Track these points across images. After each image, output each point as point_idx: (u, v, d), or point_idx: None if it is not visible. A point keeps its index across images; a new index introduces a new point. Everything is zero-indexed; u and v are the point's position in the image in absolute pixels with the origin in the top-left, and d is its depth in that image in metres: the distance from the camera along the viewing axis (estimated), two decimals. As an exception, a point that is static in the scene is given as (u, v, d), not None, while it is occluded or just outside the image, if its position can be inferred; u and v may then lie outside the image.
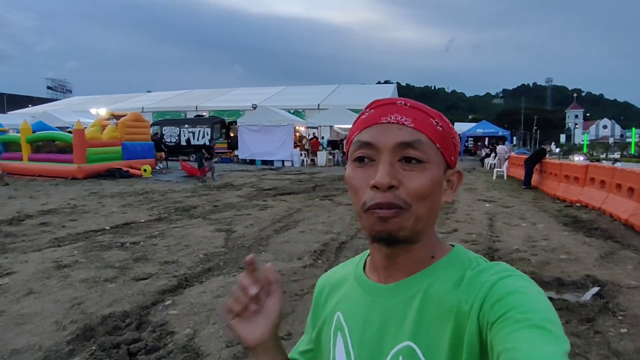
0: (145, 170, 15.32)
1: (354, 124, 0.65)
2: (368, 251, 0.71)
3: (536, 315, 0.48)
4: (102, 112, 26.87)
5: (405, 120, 0.60)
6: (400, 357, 0.59)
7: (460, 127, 35.80)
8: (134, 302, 3.56)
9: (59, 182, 13.44)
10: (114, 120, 16.88)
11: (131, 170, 15.15)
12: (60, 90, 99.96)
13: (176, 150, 22.43)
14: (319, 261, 4.83)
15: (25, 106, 48.03)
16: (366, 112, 0.64)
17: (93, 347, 2.82)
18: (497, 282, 0.55)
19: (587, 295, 3.68)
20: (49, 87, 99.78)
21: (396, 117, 0.61)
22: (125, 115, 16.87)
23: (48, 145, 15.99)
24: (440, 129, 0.62)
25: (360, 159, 0.62)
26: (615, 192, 7.28)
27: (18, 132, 16.07)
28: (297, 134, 22.40)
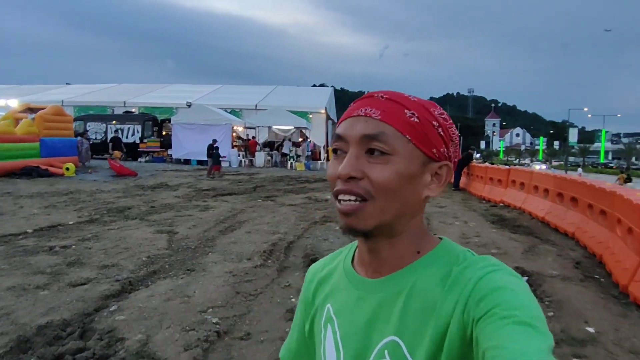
0: (67, 168, 14.08)
1: (339, 119, 0.67)
2: (356, 242, 0.70)
3: (521, 311, 0.49)
4: (14, 103, 24.29)
5: (373, 113, 0.60)
6: (386, 352, 0.59)
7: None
8: (74, 310, 3.29)
9: (-38, 181, 11.90)
10: (32, 115, 15.33)
11: (51, 169, 13.83)
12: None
13: (102, 149, 20.88)
14: (269, 261, 4.80)
15: None
16: (350, 106, 0.66)
17: (32, 360, 2.57)
18: (483, 277, 0.55)
19: (518, 285, 4.07)
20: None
21: (366, 109, 0.61)
22: (44, 109, 15.37)
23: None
24: (416, 120, 0.60)
25: (334, 152, 0.64)
26: (533, 193, 8.10)
27: None
28: (234, 134, 21.97)
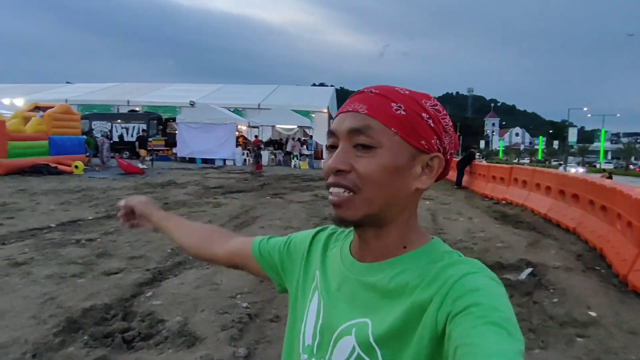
0: (76, 166, 14.31)
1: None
2: None
3: (496, 313, 0.50)
4: (20, 102, 24.50)
5: (361, 107, 0.62)
6: (354, 330, 0.62)
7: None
8: (113, 295, 3.54)
9: (-26, 178, 12.12)
10: (41, 113, 15.55)
11: (60, 167, 14.07)
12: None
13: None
14: (286, 253, 5.05)
15: None
16: (345, 103, 0.67)
17: (85, 337, 2.81)
18: (462, 277, 0.56)
19: (523, 275, 4.33)
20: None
21: (354, 105, 0.63)
22: (53, 107, 15.59)
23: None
24: (403, 112, 0.61)
25: (329, 147, 0.66)
26: (535, 190, 8.36)
27: None
28: (238, 132, 22.20)
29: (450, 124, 0.66)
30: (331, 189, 0.63)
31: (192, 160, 20.48)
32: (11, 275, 3.97)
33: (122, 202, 1.11)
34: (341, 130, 0.62)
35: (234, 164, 20.07)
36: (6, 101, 26.50)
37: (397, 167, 0.61)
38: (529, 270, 4.44)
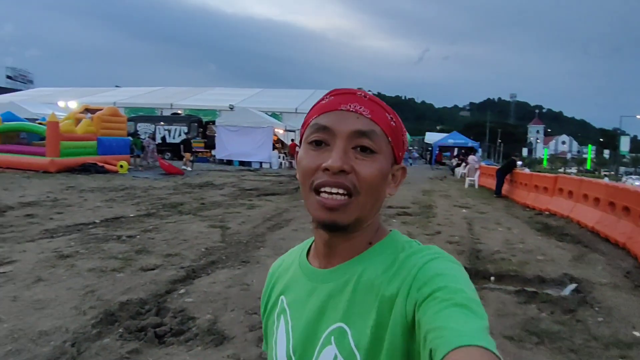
0: (121, 166, 15.01)
1: (312, 109, 0.67)
2: (312, 238, 0.72)
3: (459, 295, 0.51)
4: (73, 105, 26.06)
5: (364, 111, 0.62)
6: (332, 338, 0.61)
7: (432, 137, 36.85)
8: (148, 291, 3.66)
9: (30, 175, 12.97)
10: (89, 115, 16.46)
11: (106, 166, 14.82)
12: (20, 80, 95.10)
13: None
14: (317, 257, 5.05)
15: (-16, 95, 45.68)
16: (326, 98, 0.66)
17: (120, 330, 2.92)
18: (424, 265, 0.57)
19: (567, 290, 4.09)
20: (8, 77, 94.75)
21: (355, 106, 0.63)
22: (101, 110, 16.45)
23: (15, 136, 15.42)
24: (394, 124, 0.64)
25: (315, 143, 0.63)
26: (583, 201, 7.91)
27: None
28: (275, 136, 22.51)
29: (407, 140, 0.70)
30: (325, 189, 0.60)
31: (229, 162, 20.96)
32: (57, 266, 4.20)
33: None
34: (342, 129, 0.61)
35: (270, 166, 20.36)
36: (61, 104, 28.33)
37: (386, 174, 0.64)
38: (573, 286, 4.20)
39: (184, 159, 17.62)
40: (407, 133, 0.69)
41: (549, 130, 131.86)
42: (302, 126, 0.68)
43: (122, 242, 5.28)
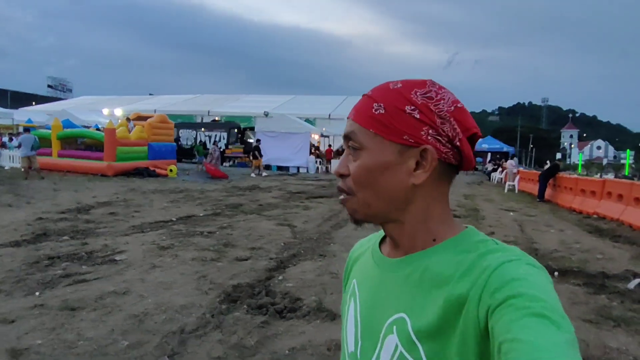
0: (171, 170, 15.87)
1: None
2: None
3: (538, 303, 0.48)
4: (119, 112, 27.46)
5: (351, 113, 0.65)
6: (394, 327, 0.61)
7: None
8: (251, 277, 4.15)
9: (90, 177, 13.93)
10: (131, 122, 17.35)
11: (157, 170, 15.70)
12: (60, 89, 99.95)
13: (192, 153, 22.96)
14: (385, 253, 5.45)
15: (29, 103, 48.58)
16: None
17: (244, 307, 3.41)
18: (499, 267, 0.53)
19: (632, 284, 4.34)
20: (49, 86, 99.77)
21: (351, 111, 0.65)
22: (152, 117, 17.43)
23: (74, 142, 16.53)
24: (382, 111, 0.61)
25: (342, 151, 0.89)
26: (634, 205, 8.00)
27: (49, 128, 16.55)
28: (318, 142, 23.08)
29: (449, 108, 0.61)
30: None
31: (267, 167, 21.63)
32: (164, 256, 4.76)
33: None
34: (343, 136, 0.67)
35: (307, 171, 20.90)
36: (105, 111, 29.86)
37: (382, 165, 0.61)
38: (638, 280, 4.44)
39: (252, 166, 18.29)
40: (438, 104, 0.60)
41: (583, 134, 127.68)
42: None
43: (207, 237, 5.83)
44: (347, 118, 0.65)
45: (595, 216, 9.23)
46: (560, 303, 0.49)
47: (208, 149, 19.31)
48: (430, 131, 0.59)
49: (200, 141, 19.98)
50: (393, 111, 0.60)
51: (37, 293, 3.54)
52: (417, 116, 0.59)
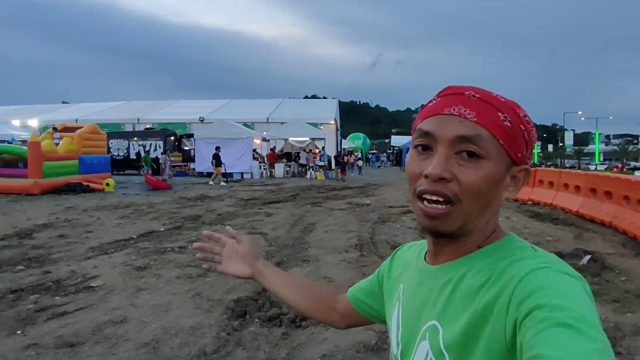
0: (107, 184, 14.79)
1: (420, 111, 0.67)
2: None
3: (562, 312, 0.46)
4: (34, 123, 24.95)
5: (468, 114, 0.60)
6: (427, 334, 0.62)
7: (399, 140, 38.22)
8: (248, 290, 4.07)
9: (14, 198, 12.54)
10: (57, 134, 15.95)
11: (92, 185, 14.55)
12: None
13: (125, 164, 21.58)
14: (364, 252, 5.63)
15: None
16: (433, 100, 0.65)
17: (255, 320, 3.36)
18: (525, 276, 0.53)
19: (584, 260, 4.95)
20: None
21: (459, 109, 0.61)
22: (82, 127, 16.11)
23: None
24: (509, 124, 0.60)
25: (419, 147, 0.63)
26: (563, 190, 9.03)
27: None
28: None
29: (536, 135, 0.65)
30: (425, 196, 0.61)
31: (209, 174, 20.97)
32: (145, 277, 4.50)
33: (230, 230, 1.03)
34: (444, 135, 0.60)
35: (252, 177, 20.61)
36: (15, 122, 26.94)
37: (497, 179, 0.61)
38: (588, 256, 5.06)
39: (213, 174, 17.54)
40: (533, 129, 0.64)
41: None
42: (412, 128, 0.68)
43: (181, 253, 5.58)
44: (456, 116, 0.61)
45: (530, 202, 10.25)
46: (593, 311, 0.47)
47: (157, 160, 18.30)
48: (526, 153, 0.63)
49: (139, 152, 18.82)
50: (515, 126, 0.61)
51: (19, 331, 3.19)
52: (526, 137, 0.62)
